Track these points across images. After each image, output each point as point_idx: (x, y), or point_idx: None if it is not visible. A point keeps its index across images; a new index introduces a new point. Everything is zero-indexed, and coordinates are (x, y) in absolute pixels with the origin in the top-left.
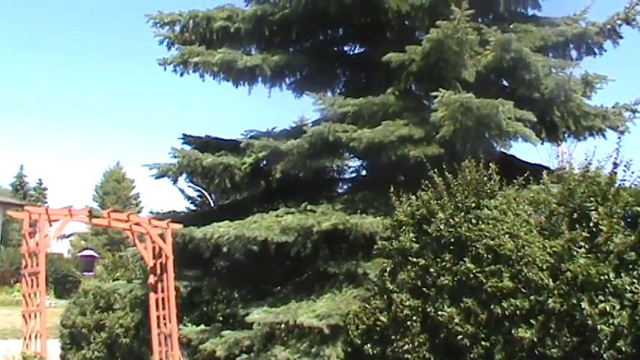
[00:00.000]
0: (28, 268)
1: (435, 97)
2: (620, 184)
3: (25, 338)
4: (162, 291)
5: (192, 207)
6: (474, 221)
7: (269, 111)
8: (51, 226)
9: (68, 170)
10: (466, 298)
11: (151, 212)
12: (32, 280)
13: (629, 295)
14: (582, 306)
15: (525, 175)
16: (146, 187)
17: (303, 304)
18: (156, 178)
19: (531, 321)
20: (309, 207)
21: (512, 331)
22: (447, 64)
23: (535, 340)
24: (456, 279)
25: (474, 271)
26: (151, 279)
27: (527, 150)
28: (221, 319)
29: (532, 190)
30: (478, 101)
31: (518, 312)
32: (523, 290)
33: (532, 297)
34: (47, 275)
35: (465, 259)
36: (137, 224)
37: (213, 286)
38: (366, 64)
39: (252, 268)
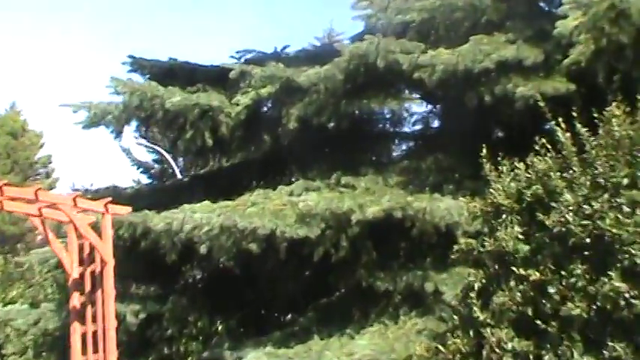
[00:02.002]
0: None
1: None
2: None
3: None
4: (95, 320)
5: (147, 178)
6: (626, 209)
7: (275, 28)
8: None
9: None
10: (616, 342)
11: (75, 189)
12: None
13: None
14: None
15: None
16: (64, 146)
17: (333, 342)
18: (85, 127)
19: None
20: (343, 180)
21: None
22: None
23: None
24: (594, 306)
25: (627, 294)
26: (75, 300)
27: None
28: None
29: None
30: None
31: None
32: None
33: None
34: None
35: (611, 272)
36: (52, 206)
37: (182, 311)
38: None
39: (247, 280)
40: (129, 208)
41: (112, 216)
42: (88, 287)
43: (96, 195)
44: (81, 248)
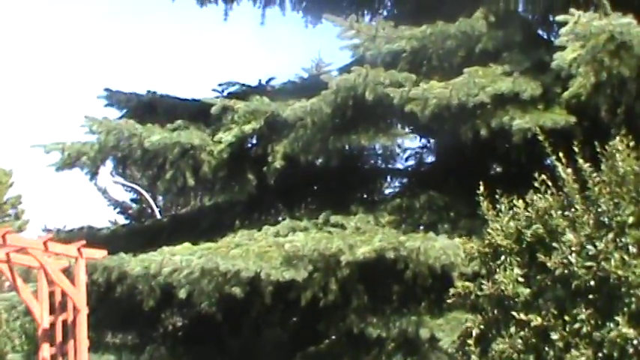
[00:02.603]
0: None
1: (562, 23)
2: None
3: None
4: None
5: (124, 219)
6: (633, 250)
7: (261, 57)
8: None
9: None
10: None
11: (47, 230)
12: None
13: None
14: None
15: None
16: (35, 185)
17: None
18: (58, 168)
19: None
20: (332, 219)
21: None
22: None
23: None
24: (601, 354)
25: (635, 340)
26: (45, 352)
27: None
28: None
29: None
30: None
31: None
32: None
33: None
34: None
35: (618, 317)
36: (21, 251)
37: None
38: None
39: (231, 327)
40: (104, 252)
41: (85, 260)
42: (59, 338)
43: (69, 236)
44: (52, 295)
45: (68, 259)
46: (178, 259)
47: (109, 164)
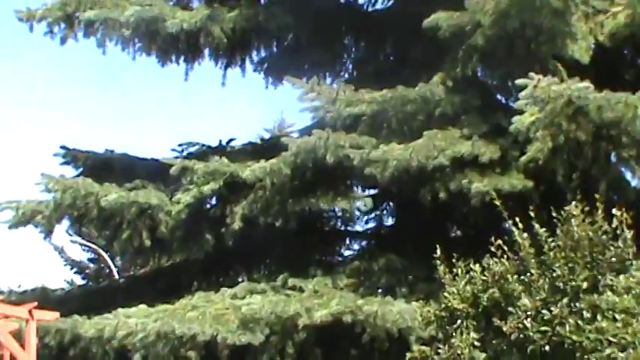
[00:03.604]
0: None
1: (521, 88)
2: None
3: None
4: None
5: (80, 280)
6: (587, 315)
7: (219, 116)
8: None
9: None
10: None
11: None
12: None
13: None
14: None
15: None
16: None
17: None
18: (11, 226)
19: None
20: (290, 281)
21: None
22: (541, 32)
23: None
24: None
25: None
26: None
27: None
28: None
29: None
30: (600, 96)
31: None
32: None
33: None
34: None
35: None
36: None
37: None
38: (395, 30)
39: None
40: (56, 314)
41: (37, 322)
42: None
43: (21, 297)
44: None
45: (19, 321)
46: (133, 322)
47: (65, 223)
